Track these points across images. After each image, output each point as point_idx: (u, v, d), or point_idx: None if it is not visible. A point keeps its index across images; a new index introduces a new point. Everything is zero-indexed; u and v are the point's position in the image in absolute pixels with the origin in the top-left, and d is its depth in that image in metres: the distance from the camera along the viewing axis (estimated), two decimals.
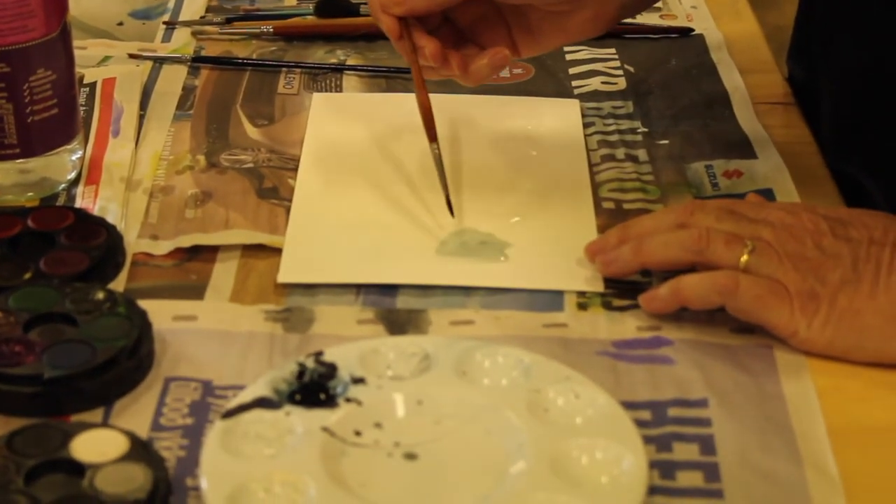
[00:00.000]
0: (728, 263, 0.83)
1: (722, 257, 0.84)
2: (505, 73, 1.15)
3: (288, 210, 0.95)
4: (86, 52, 1.16)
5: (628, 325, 0.85)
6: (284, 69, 1.16)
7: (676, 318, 0.85)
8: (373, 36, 1.19)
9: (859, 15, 1.08)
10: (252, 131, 1.06)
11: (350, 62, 1.16)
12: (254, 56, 1.18)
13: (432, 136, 0.95)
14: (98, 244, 0.89)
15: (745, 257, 0.83)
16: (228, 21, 1.23)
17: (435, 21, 0.98)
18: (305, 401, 0.76)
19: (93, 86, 1.11)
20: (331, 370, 0.78)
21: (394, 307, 0.87)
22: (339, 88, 1.13)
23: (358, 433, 0.75)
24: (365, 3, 1.21)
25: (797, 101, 1.12)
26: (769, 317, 0.82)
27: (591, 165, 1.02)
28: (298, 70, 1.16)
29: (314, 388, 0.77)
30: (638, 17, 1.25)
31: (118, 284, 0.88)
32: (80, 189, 0.98)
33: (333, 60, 1.17)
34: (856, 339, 0.81)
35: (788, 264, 0.82)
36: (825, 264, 0.82)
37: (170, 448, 0.75)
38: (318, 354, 0.79)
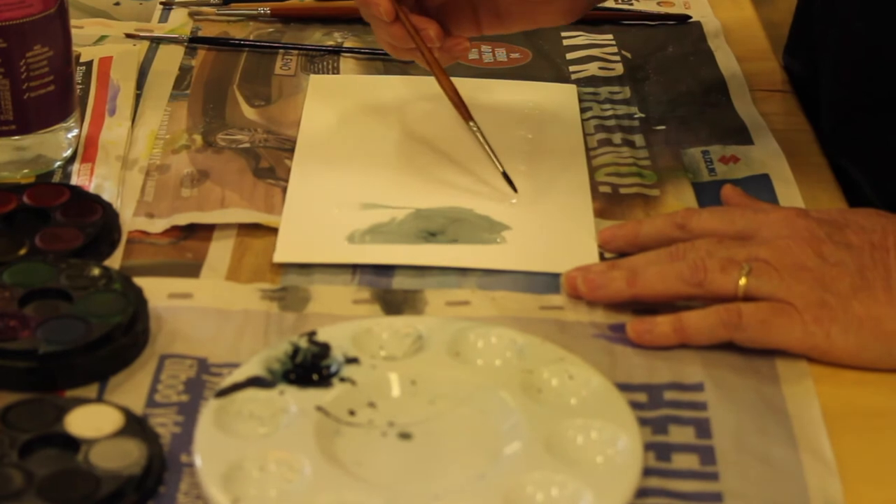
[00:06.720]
0: (727, 289, 0.81)
1: (720, 285, 0.81)
2: (503, 58, 1.15)
3: (284, 190, 0.95)
4: (82, 31, 1.16)
5: (624, 309, 0.84)
6: (281, 51, 1.15)
7: (673, 304, 0.84)
8: None
9: (858, 9, 1.08)
10: (249, 112, 1.06)
11: (347, 44, 1.16)
12: (251, 37, 1.18)
13: (467, 115, 0.97)
14: (93, 221, 0.89)
15: (742, 280, 0.81)
16: (225, 2, 1.23)
17: (411, 1, 0.96)
18: (300, 380, 0.76)
19: (89, 64, 1.11)
20: (324, 350, 0.78)
21: (390, 287, 0.86)
22: (335, 70, 1.13)
23: (352, 412, 0.75)
24: None
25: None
26: (780, 339, 0.80)
27: (587, 150, 1.02)
28: (295, 52, 1.15)
29: (308, 368, 0.77)
30: (635, 3, 1.25)
31: (113, 262, 0.88)
32: (75, 167, 0.97)
33: (330, 42, 1.17)
34: (883, 347, 0.79)
35: (790, 279, 0.80)
36: (829, 273, 0.80)
37: (164, 424, 0.74)
38: (311, 334, 0.79)
